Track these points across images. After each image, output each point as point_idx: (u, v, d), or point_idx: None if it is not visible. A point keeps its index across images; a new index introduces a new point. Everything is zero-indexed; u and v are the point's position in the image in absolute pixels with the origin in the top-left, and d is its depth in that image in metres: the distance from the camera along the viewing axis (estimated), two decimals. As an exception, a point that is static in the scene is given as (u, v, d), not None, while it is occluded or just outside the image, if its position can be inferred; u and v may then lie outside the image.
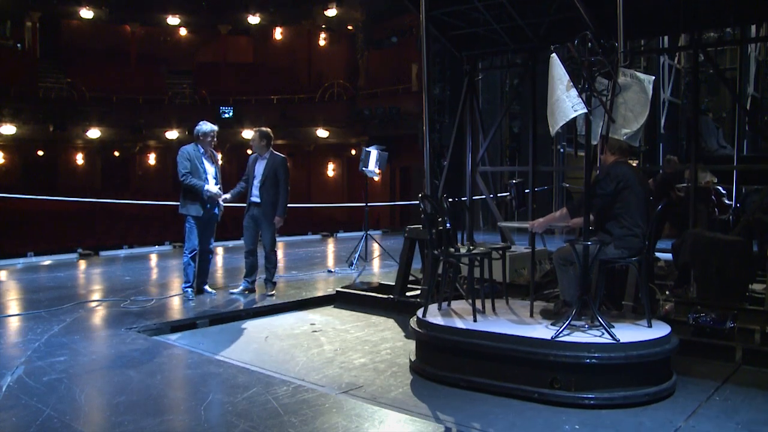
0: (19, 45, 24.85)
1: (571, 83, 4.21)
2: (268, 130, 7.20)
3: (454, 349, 4.36)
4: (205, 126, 7.06)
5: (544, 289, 6.33)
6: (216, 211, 7.05)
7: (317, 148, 25.56)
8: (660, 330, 4.25)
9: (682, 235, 6.62)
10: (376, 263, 9.93)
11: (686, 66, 15.46)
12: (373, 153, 9.87)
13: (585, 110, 4.23)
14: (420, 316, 4.71)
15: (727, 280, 5.82)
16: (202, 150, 6.99)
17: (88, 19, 24.38)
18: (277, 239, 7.03)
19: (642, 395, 3.94)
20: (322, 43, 27.87)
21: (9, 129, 21.45)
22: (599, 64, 4.31)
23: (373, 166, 9.87)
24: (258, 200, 6.98)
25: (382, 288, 7.31)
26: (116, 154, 25.59)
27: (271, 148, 7.15)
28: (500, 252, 5.24)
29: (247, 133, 24.10)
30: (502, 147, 16.28)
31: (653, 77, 4.70)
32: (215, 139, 7.07)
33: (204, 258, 7.12)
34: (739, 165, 9.24)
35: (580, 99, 4.19)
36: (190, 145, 7.03)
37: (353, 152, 23.97)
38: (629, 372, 4.02)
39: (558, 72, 4.29)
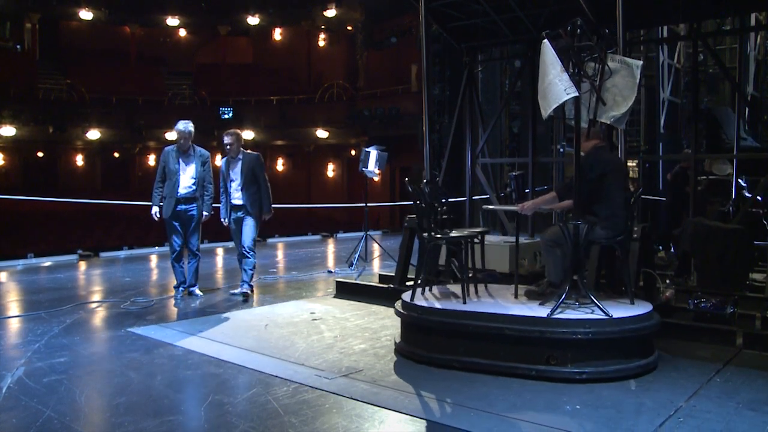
0: (18, 46, 24.85)
1: (563, 68, 4.34)
2: (238, 132, 7.14)
3: (448, 330, 4.43)
4: (177, 125, 7.04)
5: (543, 277, 6.36)
6: (191, 212, 6.94)
7: (317, 148, 25.56)
8: (643, 307, 4.44)
9: (682, 224, 6.66)
10: (376, 263, 9.93)
11: (686, 65, 15.47)
12: (373, 153, 9.87)
13: (576, 93, 4.36)
14: (408, 299, 4.76)
15: (727, 268, 5.86)
16: (181, 151, 6.97)
17: (88, 20, 24.38)
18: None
19: (634, 368, 4.12)
20: (321, 43, 27.88)
21: (9, 130, 21.45)
22: (589, 49, 4.43)
23: (372, 167, 9.87)
24: (241, 202, 6.91)
25: (382, 279, 7.34)
26: (116, 155, 25.57)
27: (242, 148, 7.08)
28: (479, 237, 5.26)
29: (248, 134, 24.13)
30: (502, 147, 16.28)
31: (641, 62, 4.83)
32: (185, 138, 6.95)
33: (189, 260, 7.07)
34: (739, 154, 9.30)
35: (572, 82, 4.32)
36: (172, 146, 7.07)
37: (353, 153, 23.97)
38: (621, 346, 4.17)
39: (550, 57, 4.40)
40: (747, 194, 8.55)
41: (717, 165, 10.37)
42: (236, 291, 7.12)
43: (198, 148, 7.12)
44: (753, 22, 11.17)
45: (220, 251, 12.59)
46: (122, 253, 11.76)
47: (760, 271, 6.50)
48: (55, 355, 4.69)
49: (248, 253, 6.93)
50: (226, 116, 24.38)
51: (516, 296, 4.88)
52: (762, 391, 3.83)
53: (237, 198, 6.92)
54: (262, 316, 6.11)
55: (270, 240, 14.70)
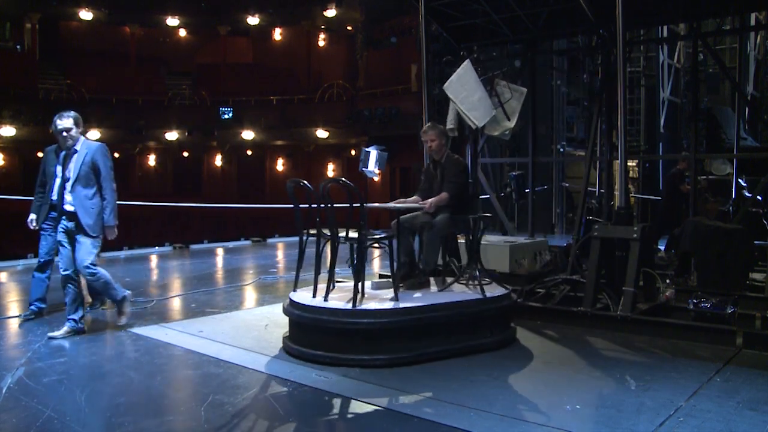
0: (18, 46, 24.86)
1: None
2: (76, 113, 5.36)
3: (414, 327, 4.53)
4: (55, 120, 5.33)
5: (544, 278, 6.37)
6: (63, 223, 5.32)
7: (317, 148, 25.56)
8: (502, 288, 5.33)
9: (682, 224, 6.67)
10: (376, 263, 9.92)
11: (686, 65, 15.47)
12: (373, 153, 9.86)
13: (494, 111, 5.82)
14: (347, 307, 4.54)
15: (727, 268, 5.87)
16: (63, 150, 5.34)
17: (88, 20, 24.40)
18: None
19: (514, 329, 5.17)
20: (321, 43, 27.90)
21: (9, 131, 21.47)
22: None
23: (372, 167, 9.86)
24: (72, 208, 5.20)
25: (382, 278, 7.33)
26: (116, 155, 25.43)
27: (83, 136, 5.38)
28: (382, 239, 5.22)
29: (247, 134, 24.15)
30: (502, 147, 16.28)
31: (525, 90, 6.41)
32: (66, 134, 5.24)
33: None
34: (739, 153, 9.32)
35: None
36: (55, 144, 5.55)
37: (353, 152, 23.98)
38: (512, 312, 5.21)
39: (475, 76, 5.67)
40: (747, 194, 8.56)
41: (716, 165, 10.39)
42: (57, 334, 5.19)
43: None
44: (753, 21, 11.18)
45: (220, 251, 12.59)
46: (122, 253, 11.75)
47: (760, 271, 6.50)
48: (55, 355, 4.69)
49: (89, 276, 5.26)
50: (226, 116, 24.38)
51: (397, 291, 5.05)
52: (762, 391, 3.84)
53: (68, 202, 5.21)
54: (262, 316, 6.11)
55: (270, 240, 14.70)
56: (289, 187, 5.08)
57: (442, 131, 5.45)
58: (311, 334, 4.64)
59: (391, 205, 5.34)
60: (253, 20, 25.43)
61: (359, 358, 4.40)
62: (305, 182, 4.91)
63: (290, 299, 5.01)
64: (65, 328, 5.23)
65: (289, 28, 27.47)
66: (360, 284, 4.64)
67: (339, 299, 4.78)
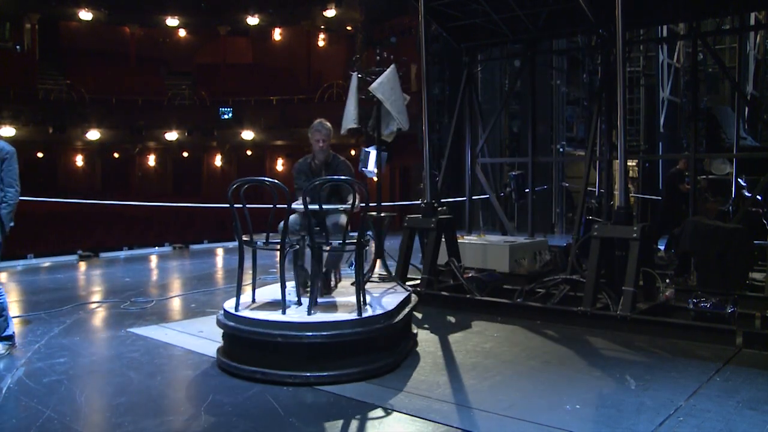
0: (18, 47, 24.89)
1: None
2: None
3: (400, 328, 4.56)
4: None
5: (544, 277, 6.37)
6: None
7: (317, 148, 25.56)
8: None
9: (682, 223, 6.68)
10: (376, 264, 9.92)
11: (685, 65, 15.48)
12: (373, 153, 9.85)
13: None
14: (355, 318, 4.28)
15: (727, 268, 5.88)
16: None
17: (87, 20, 24.43)
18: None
19: None
20: (321, 43, 27.93)
21: (8, 131, 21.46)
22: None
23: (372, 167, 9.85)
24: None
25: (382, 279, 7.34)
26: (116, 155, 25.60)
27: None
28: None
29: (247, 134, 24.15)
30: (501, 147, 16.32)
31: (409, 97, 7.01)
32: None
33: None
34: (739, 153, 9.33)
35: None
36: None
37: (353, 152, 23.98)
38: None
39: (398, 81, 6.36)
40: (747, 194, 8.56)
41: (716, 164, 10.41)
42: None
43: None
44: (753, 21, 11.19)
45: (220, 251, 12.58)
46: (122, 254, 11.75)
47: (760, 271, 6.51)
48: (55, 355, 4.69)
49: None
50: (225, 116, 24.40)
51: (324, 293, 5.30)
52: (762, 390, 3.84)
53: None
54: (262, 316, 6.09)
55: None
56: (234, 188, 4.58)
57: (331, 131, 5.34)
58: (269, 351, 4.22)
59: (294, 206, 5.11)
60: (252, 20, 25.45)
61: (369, 367, 4.18)
62: (275, 181, 4.65)
63: (253, 318, 4.44)
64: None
65: (289, 28, 27.49)
66: (362, 290, 4.58)
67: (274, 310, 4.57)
